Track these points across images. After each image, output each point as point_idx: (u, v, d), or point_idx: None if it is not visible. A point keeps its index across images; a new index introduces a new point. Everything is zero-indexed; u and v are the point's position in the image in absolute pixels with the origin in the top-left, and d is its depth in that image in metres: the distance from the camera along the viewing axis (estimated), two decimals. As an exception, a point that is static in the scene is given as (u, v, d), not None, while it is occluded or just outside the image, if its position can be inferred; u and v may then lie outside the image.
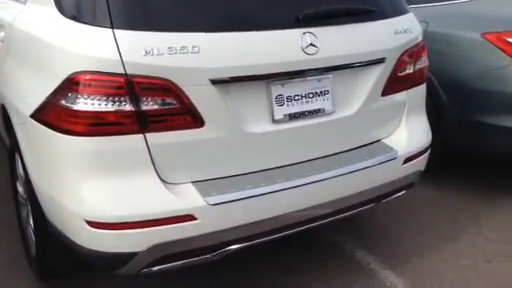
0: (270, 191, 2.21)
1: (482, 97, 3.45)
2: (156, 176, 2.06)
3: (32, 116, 2.14)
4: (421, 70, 2.71)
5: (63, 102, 1.97)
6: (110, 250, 2.05)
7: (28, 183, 2.36)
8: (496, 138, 3.46)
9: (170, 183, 2.09)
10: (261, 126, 2.23)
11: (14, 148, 2.55)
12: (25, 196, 2.62)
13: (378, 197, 2.59)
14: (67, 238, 2.12)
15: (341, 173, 2.38)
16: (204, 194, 2.10)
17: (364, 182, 2.48)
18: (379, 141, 2.64)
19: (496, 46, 3.35)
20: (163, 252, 2.09)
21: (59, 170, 2.06)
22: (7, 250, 2.96)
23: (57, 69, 2.02)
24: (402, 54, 2.56)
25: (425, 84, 2.80)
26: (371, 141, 2.61)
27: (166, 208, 2.05)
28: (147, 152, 2.02)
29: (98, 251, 2.06)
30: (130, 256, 2.05)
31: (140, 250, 2.04)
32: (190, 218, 2.07)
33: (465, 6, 3.68)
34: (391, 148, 2.59)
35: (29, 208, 2.52)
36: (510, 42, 3.32)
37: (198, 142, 2.11)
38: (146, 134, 2.01)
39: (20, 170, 2.57)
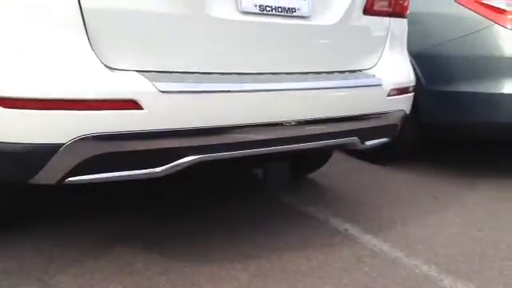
0: (234, 89, 1.79)
1: (457, 64, 3.18)
2: (90, 49, 1.60)
3: None
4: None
5: None
6: (26, 141, 1.55)
7: None
8: (474, 108, 3.17)
9: (109, 67, 1.63)
10: (225, 11, 1.83)
11: None
12: None
13: (360, 131, 2.19)
14: None
15: (317, 86, 2.01)
16: (153, 78, 1.65)
17: (344, 104, 2.10)
18: (361, 71, 2.28)
19: (469, 9, 3.14)
20: (96, 149, 1.60)
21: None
22: None
23: None
24: None
25: (406, 21, 2.49)
26: (352, 69, 2.24)
27: (102, 87, 1.58)
28: (79, 14, 1.57)
29: (8, 144, 1.55)
30: (53, 150, 1.56)
31: (66, 141, 1.55)
32: (133, 105, 1.61)
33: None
34: (374, 76, 2.24)
35: None
36: (483, 4, 3.11)
37: (145, 13, 1.68)
38: None
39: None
